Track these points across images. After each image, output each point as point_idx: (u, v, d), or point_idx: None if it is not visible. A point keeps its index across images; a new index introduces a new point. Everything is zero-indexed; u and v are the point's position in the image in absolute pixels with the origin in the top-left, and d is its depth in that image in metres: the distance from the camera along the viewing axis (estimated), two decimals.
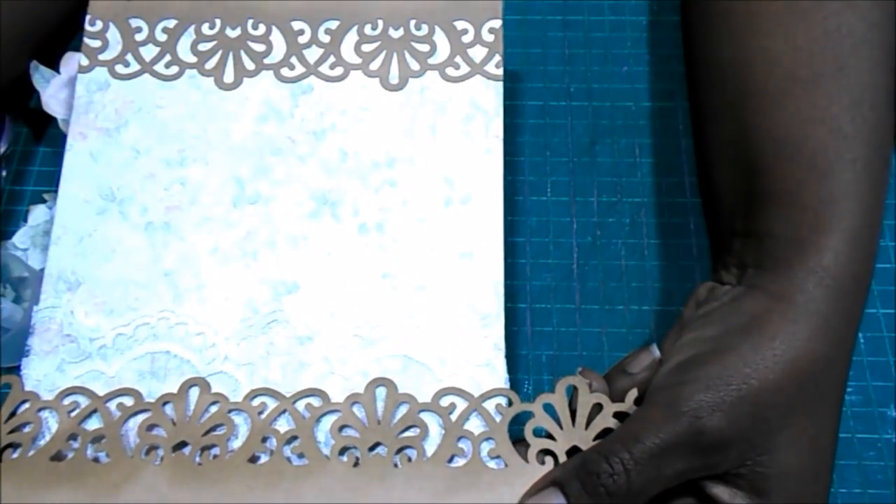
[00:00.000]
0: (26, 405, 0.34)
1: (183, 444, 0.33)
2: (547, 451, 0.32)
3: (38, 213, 0.42)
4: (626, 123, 0.45)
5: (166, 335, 0.35)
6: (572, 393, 0.33)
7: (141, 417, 0.33)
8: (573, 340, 0.39)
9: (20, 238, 0.41)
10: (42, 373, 0.34)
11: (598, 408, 0.32)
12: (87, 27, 0.40)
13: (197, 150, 0.38)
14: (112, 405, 0.34)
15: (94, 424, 0.33)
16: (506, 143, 0.38)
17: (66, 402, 0.34)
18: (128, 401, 0.34)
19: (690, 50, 0.37)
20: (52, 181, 0.43)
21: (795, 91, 0.31)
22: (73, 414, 0.33)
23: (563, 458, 0.31)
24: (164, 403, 0.34)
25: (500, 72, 0.39)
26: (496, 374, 0.34)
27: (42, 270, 0.36)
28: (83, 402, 0.34)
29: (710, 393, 0.28)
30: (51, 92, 0.44)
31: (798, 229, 0.30)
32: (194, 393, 0.34)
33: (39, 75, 0.44)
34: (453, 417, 0.33)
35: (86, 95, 0.39)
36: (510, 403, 0.33)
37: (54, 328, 0.35)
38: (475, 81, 0.39)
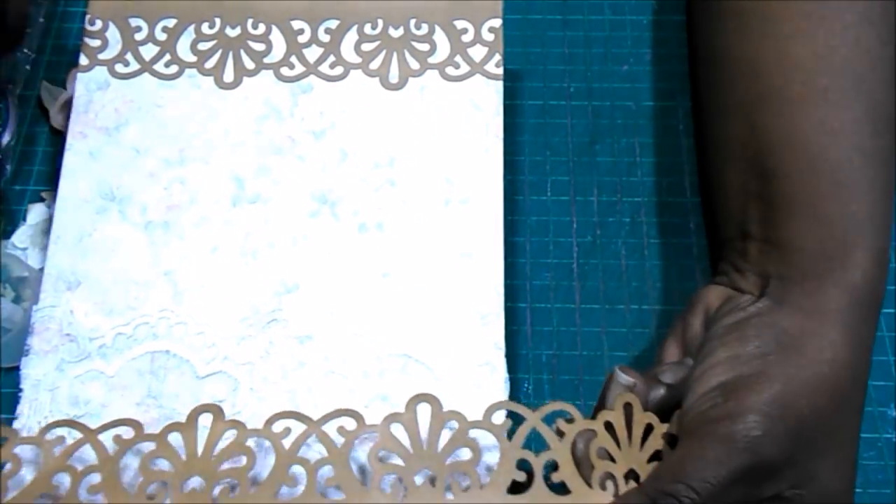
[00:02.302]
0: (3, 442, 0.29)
1: (195, 480, 0.29)
2: (608, 474, 0.29)
3: (36, 213, 0.42)
4: (626, 123, 0.45)
5: (166, 334, 0.35)
6: (618, 408, 0.30)
7: (142, 450, 0.30)
8: (573, 340, 0.39)
9: (19, 237, 0.41)
10: (42, 372, 0.34)
11: (649, 427, 0.30)
12: (87, 26, 0.40)
13: (197, 149, 0.38)
14: (107, 438, 0.30)
15: (86, 461, 0.29)
16: (506, 142, 0.38)
17: (51, 437, 0.30)
18: (126, 432, 0.30)
19: (696, 46, 0.37)
20: (51, 181, 0.43)
21: (816, 100, 0.31)
22: (59, 450, 0.29)
23: (622, 482, 0.29)
24: (170, 433, 0.30)
25: (500, 71, 0.39)
26: (496, 374, 0.34)
27: (41, 270, 0.36)
28: (72, 436, 0.30)
29: (768, 423, 0.28)
30: (58, 108, 0.44)
31: (826, 245, 0.30)
32: (205, 420, 0.30)
33: (47, 93, 0.44)
34: (508, 435, 0.29)
35: (85, 95, 0.39)
36: (570, 419, 0.30)
37: (54, 328, 0.35)
38: (475, 81, 0.39)
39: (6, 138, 0.44)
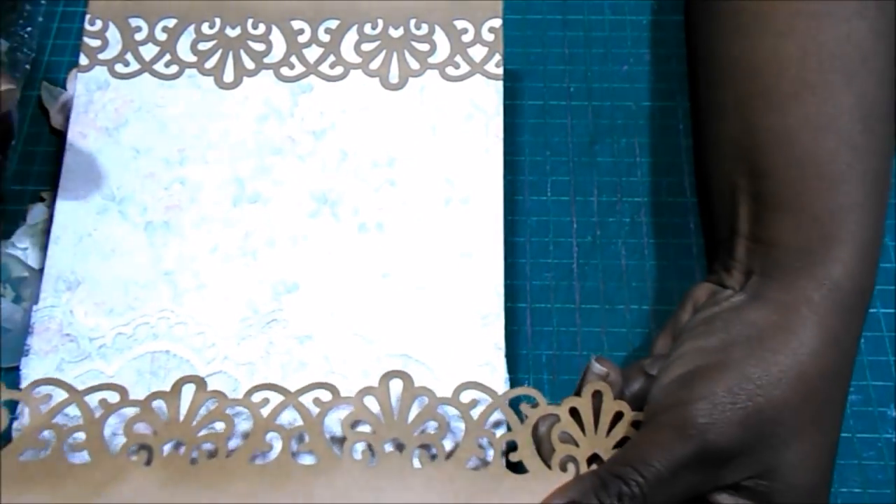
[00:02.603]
0: None
1: (176, 444, 0.30)
2: (569, 457, 0.30)
3: (36, 213, 0.42)
4: (626, 123, 0.45)
5: (166, 335, 0.35)
6: (586, 395, 0.31)
7: (126, 415, 0.31)
8: (573, 340, 0.39)
9: (19, 237, 0.41)
10: (41, 372, 0.34)
11: (618, 415, 0.31)
12: (87, 26, 0.40)
13: (197, 149, 0.38)
14: (93, 400, 0.31)
15: (72, 422, 0.31)
16: (506, 142, 0.38)
17: (38, 394, 0.31)
18: (111, 396, 0.31)
19: (694, 46, 0.37)
20: (51, 181, 0.43)
21: (805, 96, 0.31)
22: (45, 408, 0.31)
23: (584, 465, 0.30)
24: (154, 400, 0.31)
25: (500, 71, 0.39)
26: (496, 374, 0.34)
27: (41, 270, 0.36)
28: (59, 395, 0.31)
29: (717, 413, 0.28)
30: (58, 108, 0.44)
31: (807, 240, 0.30)
32: (188, 391, 0.31)
33: (48, 93, 0.44)
34: (474, 414, 0.31)
35: (85, 95, 0.39)
36: (535, 404, 0.31)
37: (54, 328, 0.35)
38: (475, 81, 0.39)
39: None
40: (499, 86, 0.39)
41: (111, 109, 0.39)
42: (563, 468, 0.30)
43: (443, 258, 0.36)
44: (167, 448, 0.30)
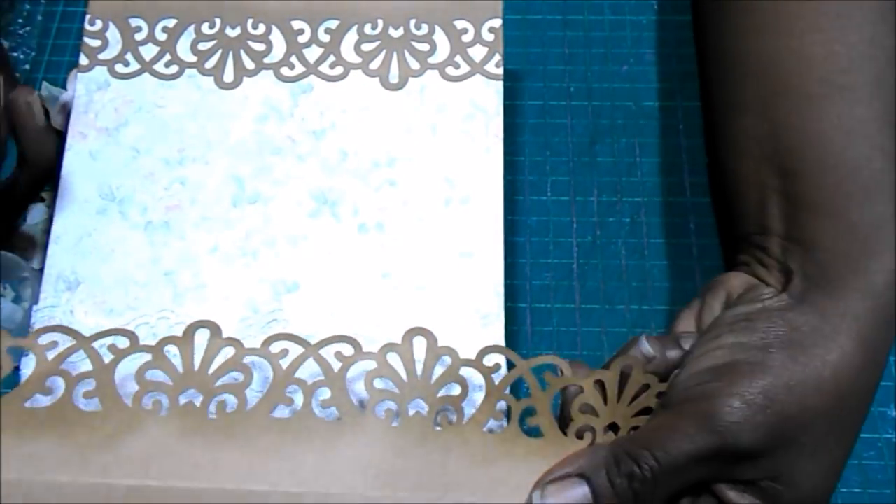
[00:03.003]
0: None
1: (192, 394, 0.29)
2: (587, 426, 0.30)
3: (36, 213, 0.42)
4: (626, 123, 0.45)
5: (166, 335, 0.35)
6: (614, 369, 0.31)
7: (138, 362, 0.30)
8: (573, 340, 0.39)
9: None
10: None
11: (644, 387, 0.31)
12: (87, 26, 0.40)
13: (197, 149, 0.38)
14: (102, 348, 0.29)
15: (81, 369, 0.29)
16: (506, 142, 0.38)
17: (45, 340, 0.29)
18: (121, 342, 0.29)
19: (705, 46, 0.37)
20: (51, 181, 0.43)
21: (835, 98, 0.31)
22: (52, 354, 0.29)
23: (600, 434, 0.30)
24: (166, 345, 0.30)
25: (500, 71, 0.39)
26: (497, 374, 0.34)
27: (41, 270, 0.36)
28: (66, 342, 0.30)
29: (747, 411, 0.28)
30: (58, 108, 0.44)
31: (847, 247, 0.30)
32: (202, 336, 0.30)
33: (48, 94, 0.44)
34: (496, 378, 0.31)
35: (85, 95, 0.39)
36: (560, 373, 0.31)
37: None
38: (475, 81, 0.39)
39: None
40: (499, 86, 0.39)
41: (111, 109, 0.39)
42: (580, 436, 0.30)
43: (443, 258, 0.36)
44: (183, 398, 0.29)
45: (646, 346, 0.31)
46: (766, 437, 0.28)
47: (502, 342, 0.34)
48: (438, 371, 0.31)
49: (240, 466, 0.28)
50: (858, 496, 0.36)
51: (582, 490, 0.28)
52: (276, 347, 0.30)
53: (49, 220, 0.39)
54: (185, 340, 0.30)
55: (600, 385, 0.31)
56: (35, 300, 0.36)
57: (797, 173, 0.31)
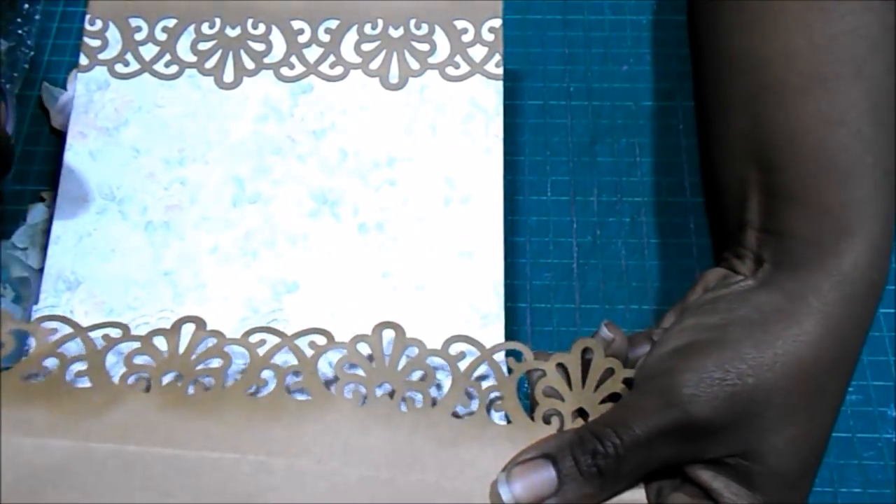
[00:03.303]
0: None
1: (175, 377, 0.32)
2: (553, 411, 0.31)
3: (36, 213, 0.42)
4: (626, 123, 0.45)
5: None
6: (575, 352, 0.32)
7: (127, 348, 0.32)
8: (573, 340, 0.39)
9: (19, 237, 0.41)
10: None
11: (609, 371, 0.32)
12: (87, 26, 0.40)
13: (197, 149, 0.38)
14: (96, 335, 0.33)
15: (74, 352, 0.32)
16: (506, 142, 0.38)
17: (46, 327, 0.33)
18: (114, 332, 0.33)
19: (698, 41, 0.37)
20: (51, 181, 0.43)
21: (814, 90, 0.31)
22: (51, 339, 0.32)
23: (568, 419, 0.31)
24: (155, 336, 0.33)
25: (500, 71, 0.39)
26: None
27: (41, 270, 0.36)
28: (65, 329, 0.33)
29: (704, 386, 0.29)
30: (58, 108, 0.44)
31: (818, 231, 0.30)
32: (188, 329, 0.33)
33: (48, 94, 0.44)
34: (462, 366, 0.32)
35: (85, 95, 0.39)
36: (522, 358, 0.32)
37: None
38: (475, 81, 0.39)
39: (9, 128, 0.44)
40: (499, 86, 0.39)
41: (111, 109, 0.39)
42: (547, 421, 0.31)
43: (443, 258, 0.36)
44: (166, 379, 0.32)
45: (604, 331, 0.32)
46: (724, 409, 0.28)
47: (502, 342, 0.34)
48: (405, 360, 0.32)
49: (212, 435, 0.31)
50: (859, 496, 0.36)
51: (548, 472, 0.29)
52: (254, 338, 0.33)
53: (49, 220, 0.39)
54: (172, 332, 0.32)
55: (563, 369, 0.32)
56: (35, 300, 0.36)
57: (776, 166, 0.32)
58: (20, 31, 0.47)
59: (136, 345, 0.32)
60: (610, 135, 0.44)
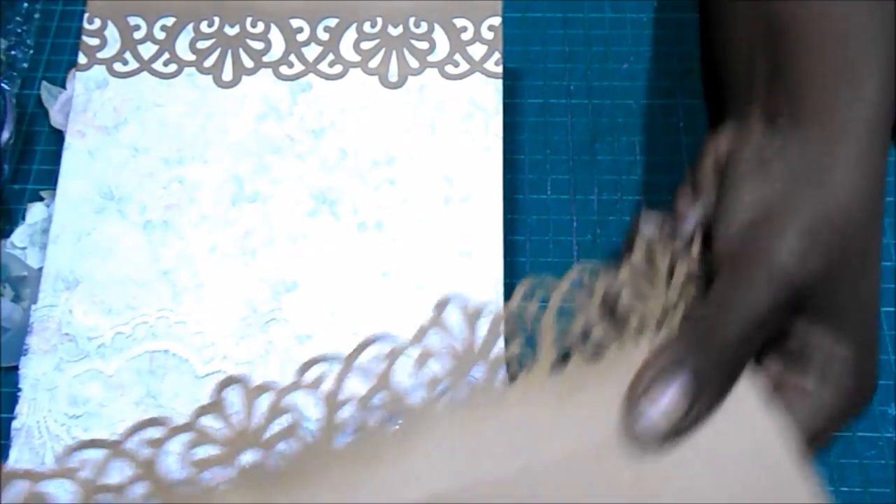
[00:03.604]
0: (22, 485, 0.24)
1: (246, 456, 0.26)
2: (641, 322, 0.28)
3: (35, 212, 0.42)
4: (626, 121, 0.45)
5: (165, 334, 0.35)
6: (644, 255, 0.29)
7: (178, 443, 0.25)
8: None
9: (18, 237, 0.41)
10: (41, 371, 0.34)
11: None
12: (86, 25, 0.39)
13: (195, 148, 0.38)
14: (135, 444, 0.25)
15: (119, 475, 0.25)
16: (505, 141, 0.38)
17: (74, 463, 0.25)
18: (155, 432, 0.25)
19: None
20: (50, 180, 0.43)
21: None
22: (86, 474, 0.25)
23: (654, 331, 0.28)
24: (201, 416, 0.25)
25: (500, 69, 0.39)
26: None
27: (40, 269, 0.36)
28: (95, 456, 0.25)
29: (800, 245, 0.27)
30: (58, 107, 0.44)
31: (835, 66, 0.30)
32: (232, 395, 0.26)
33: (47, 93, 0.44)
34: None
35: (84, 94, 0.39)
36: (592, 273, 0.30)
37: (53, 327, 0.35)
38: (475, 79, 0.39)
39: (5, 136, 0.44)
40: (498, 84, 0.39)
41: (110, 108, 0.38)
42: (641, 332, 0.28)
43: (442, 257, 0.36)
44: (239, 462, 0.26)
45: (650, 230, 0.30)
46: (823, 269, 0.28)
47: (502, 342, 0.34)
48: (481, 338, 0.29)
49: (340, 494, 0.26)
50: (859, 495, 0.36)
51: (682, 379, 0.26)
52: (310, 376, 0.26)
53: (48, 220, 0.39)
54: (215, 404, 0.26)
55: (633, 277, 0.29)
56: (34, 299, 0.36)
57: (785, 26, 0.31)
58: (19, 30, 0.47)
59: (189, 436, 0.25)
60: (610, 133, 0.44)
